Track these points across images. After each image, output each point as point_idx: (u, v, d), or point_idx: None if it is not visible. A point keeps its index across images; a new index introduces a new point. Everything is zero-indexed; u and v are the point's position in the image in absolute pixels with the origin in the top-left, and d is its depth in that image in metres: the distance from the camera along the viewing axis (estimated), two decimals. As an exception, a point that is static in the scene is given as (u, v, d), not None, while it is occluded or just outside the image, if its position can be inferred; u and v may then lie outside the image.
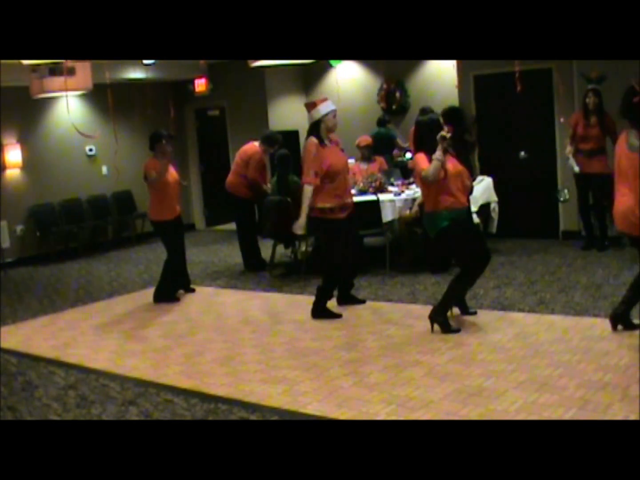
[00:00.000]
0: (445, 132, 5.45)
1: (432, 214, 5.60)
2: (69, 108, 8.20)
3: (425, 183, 5.53)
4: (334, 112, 6.22)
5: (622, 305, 5.14)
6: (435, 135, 5.44)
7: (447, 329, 5.51)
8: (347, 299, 6.54)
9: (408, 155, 9.27)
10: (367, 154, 8.85)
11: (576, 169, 8.00)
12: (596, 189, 7.91)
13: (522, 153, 9.09)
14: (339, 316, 6.19)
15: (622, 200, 4.83)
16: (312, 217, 6.16)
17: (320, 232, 6.50)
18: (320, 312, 6.24)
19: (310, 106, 6.35)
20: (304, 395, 4.55)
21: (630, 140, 4.77)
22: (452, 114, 9.46)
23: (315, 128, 6.21)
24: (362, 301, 6.58)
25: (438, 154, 5.37)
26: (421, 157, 5.56)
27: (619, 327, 5.15)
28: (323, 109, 6.16)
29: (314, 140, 6.13)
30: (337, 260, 6.18)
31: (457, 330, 5.52)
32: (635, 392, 4.06)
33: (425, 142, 5.57)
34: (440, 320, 5.55)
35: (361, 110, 11.08)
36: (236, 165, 8.74)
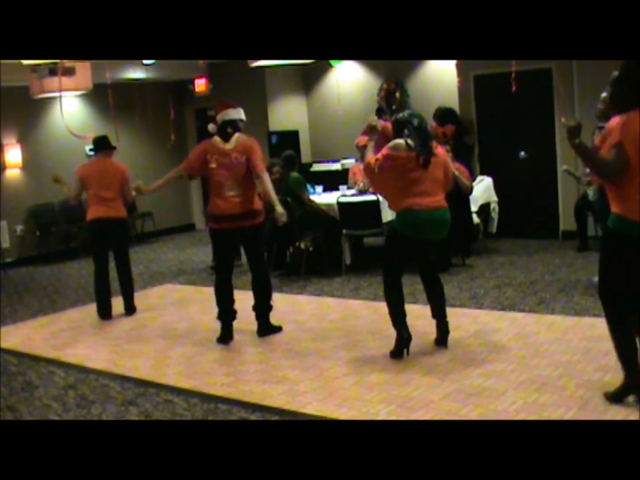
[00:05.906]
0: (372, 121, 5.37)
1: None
2: (62, 109, 8.17)
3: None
4: None
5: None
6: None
7: None
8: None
9: None
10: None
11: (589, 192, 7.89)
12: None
13: (522, 153, 9.08)
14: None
15: None
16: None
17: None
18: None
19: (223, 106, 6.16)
20: (304, 395, 4.55)
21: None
22: (448, 115, 9.51)
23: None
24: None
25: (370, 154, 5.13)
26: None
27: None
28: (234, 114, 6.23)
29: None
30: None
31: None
32: (635, 392, 4.06)
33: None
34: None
35: (361, 110, 11.08)
36: None
